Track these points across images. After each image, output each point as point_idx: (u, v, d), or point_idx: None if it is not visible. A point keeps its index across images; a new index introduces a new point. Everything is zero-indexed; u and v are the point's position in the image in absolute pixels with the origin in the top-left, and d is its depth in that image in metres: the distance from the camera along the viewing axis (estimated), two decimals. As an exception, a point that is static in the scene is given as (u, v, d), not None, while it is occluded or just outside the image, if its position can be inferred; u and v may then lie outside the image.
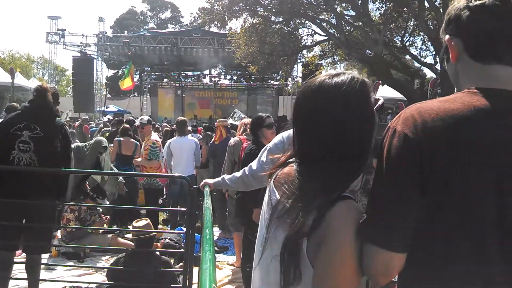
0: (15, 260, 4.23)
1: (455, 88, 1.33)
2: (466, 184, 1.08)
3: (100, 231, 6.30)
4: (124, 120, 9.78)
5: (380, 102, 1.34)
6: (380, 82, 17.54)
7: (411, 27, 17.86)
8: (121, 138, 7.42)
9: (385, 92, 20.55)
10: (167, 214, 8.32)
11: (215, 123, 8.28)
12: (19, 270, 4.52)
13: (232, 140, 6.16)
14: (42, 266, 4.38)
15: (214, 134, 7.98)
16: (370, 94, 1.28)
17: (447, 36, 1.29)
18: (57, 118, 4.18)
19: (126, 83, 24.33)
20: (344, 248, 1.13)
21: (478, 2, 1.22)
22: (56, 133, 4.04)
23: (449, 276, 1.11)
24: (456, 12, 1.26)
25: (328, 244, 1.13)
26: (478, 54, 1.23)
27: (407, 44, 18.47)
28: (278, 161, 1.42)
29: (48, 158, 3.98)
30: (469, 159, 1.08)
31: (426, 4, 13.84)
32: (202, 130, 11.03)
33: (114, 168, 6.96)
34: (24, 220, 4.01)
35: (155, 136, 7.63)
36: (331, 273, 1.13)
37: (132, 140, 7.52)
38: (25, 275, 4.10)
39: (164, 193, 9.02)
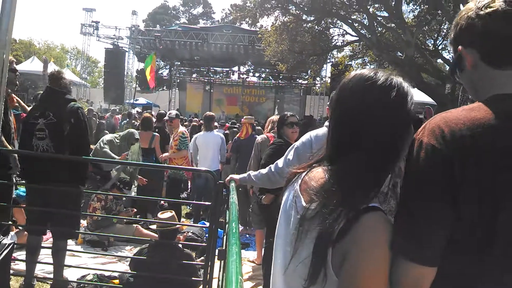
0: (42, 244, 4.34)
1: (469, 96, 1.31)
2: (500, 192, 1.05)
3: (125, 221, 6.40)
4: (155, 113, 9.94)
5: (420, 116, 1.33)
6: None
7: (445, 30, 17.48)
8: (138, 137, 7.51)
9: (415, 96, 20.21)
10: (191, 208, 8.40)
11: (242, 120, 8.32)
12: (45, 254, 4.63)
13: (260, 138, 6.20)
14: (67, 252, 4.47)
15: (239, 131, 8.04)
16: (407, 96, 1.27)
17: (459, 47, 1.28)
18: (72, 103, 4.18)
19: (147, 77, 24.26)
20: (369, 264, 1.11)
21: (489, 10, 1.20)
22: (69, 117, 4.06)
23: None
24: (468, 22, 1.25)
25: (353, 259, 1.11)
26: (497, 61, 1.21)
27: (439, 47, 18.12)
28: (305, 163, 1.41)
29: (63, 143, 4.03)
30: (500, 165, 1.05)
31: (462, 7, 13.55)
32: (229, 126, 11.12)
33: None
34: (48, 206, 4.09)
35: (183, 128, 7.72)
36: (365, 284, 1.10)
37: (150, 132, 7.63)
38: (51, 260, 4.20)
39: (189, 187, 9.10)
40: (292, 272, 1.29)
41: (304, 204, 1.28)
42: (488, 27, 1.19)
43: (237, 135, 7.91)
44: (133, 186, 7.01)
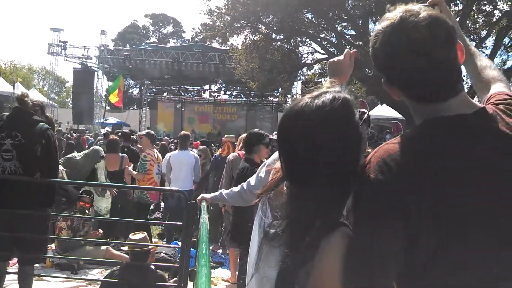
0: (7, 270, 4.20)
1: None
2: (450, 218, 1.06)
3: (94, 243, 6.27)
4: (119, 133, 9.72)
5: (365, 116, 1.33)
6: (364, 101, 17.58)
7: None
8: (103, 155, 7.34)
9: (384, 111, 20.62)
10: (163, 228, 8.29)
11: (223, 138, 8.32)
12: (11, 280, 4.48)
13: (231, 156, 6.22)
14: (35, 277, 4.34)
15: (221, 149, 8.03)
16: (353, 112, 1.25)
17: (383, 80, 1.25)
18: (40, 123, 4.11)
19: (113, 98, 23.67)
20: (331, 283, 1.11)
21: (380, 37, 1.18)
22: (37, 138, 3.99)
23: None
24: (373, 51, 1.22)
25: (317, 277, 1.12)
26: (421, 99, 1.20)
27: (406, 64, 18.58)
28: (269, 183, 1.42)
29: (32, 164, 3.95)
30: (450, 191, 1.06)
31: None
32: (200, 145, 11.06)
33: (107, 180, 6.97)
34: (15, 231, 3.97)
35: (150, 150, 7.50)
36: None
37: (118, 154, 7.37)
38: (17, 286, 4.07)
39: (161, 207, 9.00)
40: (258, 283, 1.30)
41: (269, 220, 1.30)
42: (390, 61, 1.19)
43: (218, 152, 7.90)
44: (104, 207, 6.89)
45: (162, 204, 9.23)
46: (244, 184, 3.47)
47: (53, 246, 6.09)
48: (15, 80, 19.34)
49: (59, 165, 5.94)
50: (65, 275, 5.42)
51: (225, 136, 8.20)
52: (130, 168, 7.19)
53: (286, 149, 1.29)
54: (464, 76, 1.36)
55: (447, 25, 1.15)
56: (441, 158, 1.09)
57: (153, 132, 8.10)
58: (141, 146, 8.22)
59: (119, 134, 9.46)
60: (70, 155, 6.69)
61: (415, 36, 1.12)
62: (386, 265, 1.09)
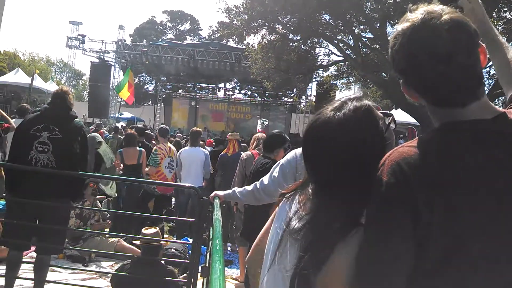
0: (23, 259, 4.27)
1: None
2: (464, 226, 1.06)
3: (106, 235, 6.33)
4: (133, 128, 9.81)
5: (390, 118, 1.34)
6: (378, 106, 17.41)
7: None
8: (121, 149, 7.41)
9: (399, 116, 20.45)
10: (172, 223, 8.33)
11: (227, 136, 8.32)
12: (24, 270, 4.54)
13: (244, 154, 6.23)
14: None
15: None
16: (375, 119, 1.28)
17: (401, 82, 1.24)
18: (76, 119, 4.23)
19: (124, 94, 23.48)
20: (341, 282, 1.13)
21: (399, 39, 1.17)
22: (75, 134, 4.09)
23: None
24: (392, 52, 1.21)
25: (327, 274, 1.13)
26: (440, 103, 1.19)
27: (423, 69, 18.40)
28: (291, 186, 1.43)
29: (66, 159, 4.02)
30: (464, 198, 1.06)
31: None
32: (214, 143, 11.09)
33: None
34: (37, 221, 4.04)
35: (162, 145, 7.55)
36: None
37: (136, 148, 7.46)
38: (30, 275, 4.13)
39: (172, 203, 9.04)
40: (274, 281, 1.32)
41: (291, 214, 1.32)
42: (412, 63, 1.17)
43: (223, 151, 7.91)
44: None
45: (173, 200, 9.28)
46: (257, 183, 3.48)
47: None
48: (34, 72, 19.54)
49: None
50: (76, 267, 5.47)
51: (229, 134, 8.19)
52: (145, 165, 7.31)
53: (311, 156, 1.34)
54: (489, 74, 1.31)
55: (469, 28, 1.14)
56: (456, 164, 1.08)
57: (164, 127, 8.16)
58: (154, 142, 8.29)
59: (133, 129, 9.53)
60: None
61: (436, 40, 1.11)
62: (395, 269, 1.08)
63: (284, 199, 1.43)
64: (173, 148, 7.57)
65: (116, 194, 7.12)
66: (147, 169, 7.12)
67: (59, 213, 4.06)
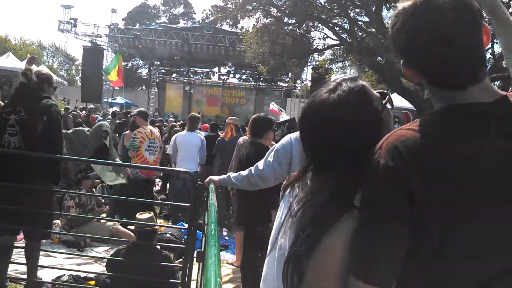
0: (15, 244, 4.24)
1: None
2: (458, 211, 1.04)
3: (101, 220, 6.31)
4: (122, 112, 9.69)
5: (387, 98, 1.31)
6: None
7: (424, 36, 17.75)
8: (125, 132, 7.38)
9: (394, 101, 20.44)
10: (169, 209, 8.32)
11: (226, 120, 8.28)
12: (19, 255, 4.52)
13: (241, 139, 6.23)
14: (42, 252, 4.37)
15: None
16: (370, 99, 1.27)
17: (401, 62, 1.20)
18: (46, 100, 4.08)
19: (112, 76, 23.01)
20: (333, 264, 1.13)
21: (400, 18, 1.13)
22: (39, 114, 3.96)
23: None
24: (393, 32, 1.17)
25: (319, 255, 1.13)
26: (440, 85, 1.17)
27: (418, 53, 18.36)
28: (292, 176, 1.42)
29: (33, 140, 3.94)
30: (460, 185, 1.04)
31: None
32: (209, 128, 11.03)
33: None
34: (18, 205, 3.98)
35: (143, 128, 7.24)
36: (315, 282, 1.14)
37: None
38: (25, 260, 4.10)
39: (167, 188, 9.03)
40: (273, 264, 1.32)
41: (291, 199, 1.31)
42: (413, 43, 1.13)
43: (221, 136, 7.89)
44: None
45: (167, 185, 9.26)
46: (253, 168, 3.46)
47: (59, 222, 6.13)
48: (33, 57, 19.26)
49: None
50: (71, 252, 5.46)
51: (229, 118, 8.15)
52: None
53: (308, 140, 1.34)
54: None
55: (473, 8, 1.10)
56: (454, 149, 1.06)
57: (144, 110, 7.99)
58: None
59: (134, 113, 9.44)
60: (81, 128, 6.64)
61: (439, 19, 1.07)
62: (390, 252, 1.07)
63: (287, 191, 1.42)
64: (155, 131, 7.39)
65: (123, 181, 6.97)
66: (128, 152, 7.05)
67: (38, 197, 3.99)
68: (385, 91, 1.33)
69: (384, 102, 1.30)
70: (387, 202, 1.08)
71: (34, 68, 4.31)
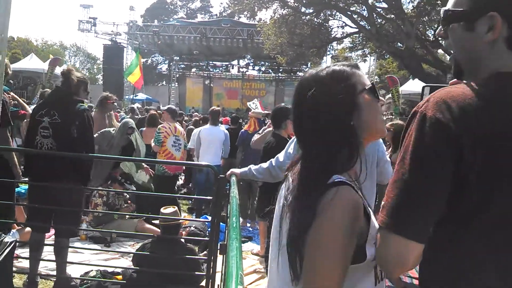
0: (45, 242, 4.34)
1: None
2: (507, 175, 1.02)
3: (127, 216, 6.39)
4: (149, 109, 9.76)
5: (367, 85, 1.31)
6: (393, 76, 17.17)
7: (445, 20, 17.37)
8: (142, 129, 7.44)
9: (416, 87, 20.13)
10: (192, 203, 8.38)
11: (249, 113, 8.30)
12: (48, 252, 4.62)
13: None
14: (70, 249, 4.46)
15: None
16: (347, 79, 1.28)
17: (493, 12, 1.11)
18: (80, 104, 4.15)
19: (135, 77, 23.03)
20: (331, 235, 1.12)
21: None
22: (73, 118, 4.03)
23: (488, 274, 1.06)
24: None
25: (316, 230, 1.13)
26: None
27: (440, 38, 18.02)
28: (294, 159, 1.43)
29: (65, 144, 4.01)
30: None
31: (462, -4, 13.47)
32: (230, 121, 11.05)
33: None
34: (50, 204, 4.08)
35: (169, 123, 7.26)
36: (316, 258, 1.13)
37: (155, 128, 7.35)
38: (54, 257, 4.20)
39: (190, 182, 9.09)
40: (276, 258, 1.32)
41: (286, 192, 1.32)
42: None
43: (244, 128, 7.91)
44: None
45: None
46: (273, 160, 3.46)
47: (87, 218, 6.24)
48: (56, 59, 19.47)
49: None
50: (98, 247, 5.55)
51: (252, 111, 8.16)
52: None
53: (293, 118, 1.38)
54: None
55: None
56: (507, 110, 1.04)
57: (174, 107, 8.05)
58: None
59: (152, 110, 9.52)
60: (106, 129, 6.67)
61: None
62: (430, 206, 1.05)
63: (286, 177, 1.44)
64: (179, 128, 7.42)
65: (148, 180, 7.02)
66: (152, 144, 7.10)
67: (69, 196, 4.07)
68: (371, 83, 1.33)
69: (368, 89, 1.30)
70: (436, 154, 1.04)
71: (68, 70, 4.36)
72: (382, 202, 1.12)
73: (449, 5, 1.22)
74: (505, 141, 1.01)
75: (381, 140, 3.80)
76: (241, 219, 7.17)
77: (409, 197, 1.06)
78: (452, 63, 1.28)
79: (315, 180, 1.20)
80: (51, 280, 4.45)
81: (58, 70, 22.74)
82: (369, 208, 1.24)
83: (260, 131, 6.48)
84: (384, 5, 16.62)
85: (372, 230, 1.20)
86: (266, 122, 7.75)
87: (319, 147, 1.24)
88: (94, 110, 7.61)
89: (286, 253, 1.23)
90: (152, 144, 7.08)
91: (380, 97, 1.35)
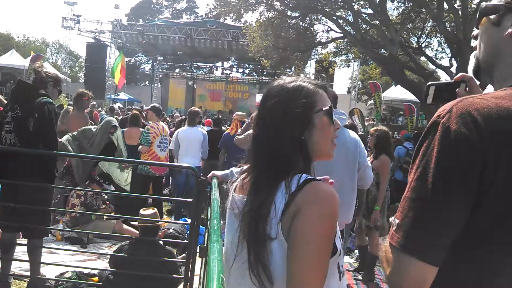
0: (18, 242, 4.22)
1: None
2: None
3: (105, 217, 6.28)
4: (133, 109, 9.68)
5: (325, 107, 1.35)
6: (375, 82, 17.28)
7: (428, 28, 17.61)
8: (124, 129, 7.34)
9: (398, 93, 20.39)
10: (171, 205, 8.31)
11: (233, 115, 8.26)
12: (22, 252, 4.50)
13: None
14: (45, 249, 4.36)
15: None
16: (306, 96, 1.33)
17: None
18: (42, 97, 4.01)
19: (117, 76, 22.96)
20: (323, 226, 1.17)
21: None
22: (32, 111, 3.91)
23: None
24: None
25: (302, 216, 1.16)
26: None
27: (423, 45, 18.24)
28: (243, 169, 1.47)
29: (25, 138, 3.93)
30: None
31: (445, 5, 13.66)
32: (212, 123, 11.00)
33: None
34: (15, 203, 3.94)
35: (156, 123, 7.29)
36: (310, 252, 1.15)
37: (139, 129, 7.39)
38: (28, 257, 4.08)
39: (170, 184, 9.01)
40: (237, 270, 1.33)
41: (240, 198, 1.37)
42: None
43: (227, 131, 7.86)
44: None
45: (170, 180, 9.23)
46: (235, 169, 3.41)
47: (63, 219, 6.12)
48: (37, 56, 19.21)
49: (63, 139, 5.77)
50: (74, 248, 5.44)
51: (235, 114, 8.15)
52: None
53: (255, 122, 1.43)
54: None
55: None
56: None
57: (158, 105, 7.99)
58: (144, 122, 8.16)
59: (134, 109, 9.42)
60: (87, 127, 6.56)
61: None
62: (448, 228, 1.00)
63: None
64: (166, 127, 7.43)
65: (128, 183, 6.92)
66: (140, 147, 7.01)
67: (34, 195, 3.94)
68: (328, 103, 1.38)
69: (327, 109, 1.34)
70: (462, 173, 0.98)
71: (47, 67, 4.31)
72: (396, 220, 1.05)
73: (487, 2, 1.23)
74: None
75: (362, 145, 3.79)
76: (222, 222, 7.11)
77: (431, 219, 1.00)
78: (474, 62, 1.26)
79: (273, 182, 1.25)
80: (24, 281, 4.34)
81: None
82: None
83: (239, 132, 6.45)
84: (370, 11, 16.78)
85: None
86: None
87: (273, 153, 1.30)
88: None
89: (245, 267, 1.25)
90: (140, 145, 7.01)
91: (337, 121, 1.39)
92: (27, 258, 4.09)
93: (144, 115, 8.39)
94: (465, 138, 0.98)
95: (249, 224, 1.25)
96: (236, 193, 1.42)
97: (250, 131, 5.95)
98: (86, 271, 4.51)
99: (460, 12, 13.13)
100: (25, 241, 4.29)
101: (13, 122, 3.94)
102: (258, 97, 15.92)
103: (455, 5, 13.63)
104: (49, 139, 4.04)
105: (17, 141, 3.95)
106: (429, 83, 1.34)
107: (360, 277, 5.61)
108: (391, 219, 1.10)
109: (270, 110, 1.34)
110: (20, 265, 4.50)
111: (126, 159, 6.69)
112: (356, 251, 6.38)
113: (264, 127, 1.35)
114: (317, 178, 1.25)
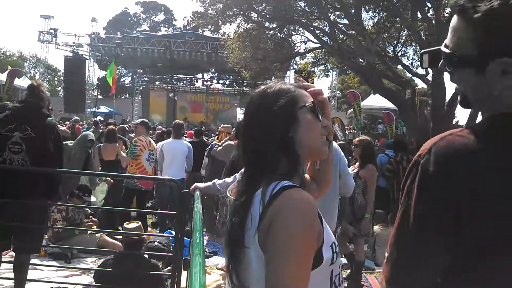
0: (2, 259, 4.20)
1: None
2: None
3: (88, 232, 6.26)
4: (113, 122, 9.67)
5: (308, 103, 1.34)
6: (354, 91, 17.39)
7: (404, 37, 17.92)
8: (100, 144, 7.35)
9: (376, 101, 20.63)
10: (156, 217, 8.29)
11: (219, 128, 8.33)
12: (4, 269, 4.48)
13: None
14: (29, 266, 4.34)
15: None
16: (286, 95, 1.32)
17: (505, 58, 1.05)
18: (49, 118, 4.12)
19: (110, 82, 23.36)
20: (296, 235, 1.12)
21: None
22: (48, 133, 3.99)
23: None
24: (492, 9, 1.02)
25: (276, 226, 1.13)
26: None
27: (399, 54, 18.53)
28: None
29: (40, 159, 3.93)
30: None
31: (419, 15, 13.95)
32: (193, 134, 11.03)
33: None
34: (15, 220, 3.96)
35: (145, 137, 7.36)
36: (280, 253, 1.12)
37: (115, 144, 7.40)
38: (11, 275, 4.06)
39: (154, 196, 8.99)
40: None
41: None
42: None
43: (215, 141, 7.94)
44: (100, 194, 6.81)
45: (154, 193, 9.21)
46: (237, 175, 3.49)
47: (46, 235, 6.07)
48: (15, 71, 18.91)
49: None
50: (58, 264, 5.41)
51: (221, 126, 8.23)
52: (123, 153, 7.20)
53: (242, 131, 1.43)
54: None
55: None
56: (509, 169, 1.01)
57: (147, 121, 8.09)
58: (132, 136, 8.20)
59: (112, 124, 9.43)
60: (65, 143, 6.55)
61: None
62: (430, 265, 1.05)
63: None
64: (153, 143, 7.51)
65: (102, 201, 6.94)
66: (123, 154, 7.04)
67: (36, 212, 3.98)
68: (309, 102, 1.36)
69: (309, 106, 1.33)
70: (435, 217, 1.03)
71: (25, 82, 4.31)
72: (386, 254, 1.12)
73: (449, 44, 1.17)
74: (505, 200, 1.00)
75: (342, 153, 3.89)
76: (208, 235, 7.15)
77: (412, 256, 1.07)
78: (459, 95, 1.23)
79: (255, 185, 1.24)
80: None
81: (18, 82, 22.19)
82: (319, 211, 1.23)
83: (220, 143, 6.55)
84: (346, 21, 17.00)
85: (326, 233, 1.21)
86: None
87: (259, 156, 1.29)
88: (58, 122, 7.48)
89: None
90: (123, 154, 7.05)
91: (324, 119, 1.37)
92: (10, 275, 4.09)
93: (127, 128, 8.41)
94: (442, 181, 1.03)
95: (229, 233, 1.27)
96: (232, 196, 1.42)
97: (228, 142, 6.02)
98: (70, 287, 4.51)
99: (433, 21, 13.42)
100: (8, 259, 4.28)
101: (25, 143, 3.88)
102: (239, 111, 15.87)
103: (428, 14, 13.93)
104: (60, 160, 4.12)
105: (28, 162, 3.90)
106: (423, 51, 1.34)
107: (346, 285, 5.65)
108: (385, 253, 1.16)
109: (254, 114, 1.34)
110: (2, 283, 4.46)
111: (111, 173, 6.70)
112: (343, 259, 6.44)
113: (249, 131, 1.35)
114: (296, 184, 1.23)
